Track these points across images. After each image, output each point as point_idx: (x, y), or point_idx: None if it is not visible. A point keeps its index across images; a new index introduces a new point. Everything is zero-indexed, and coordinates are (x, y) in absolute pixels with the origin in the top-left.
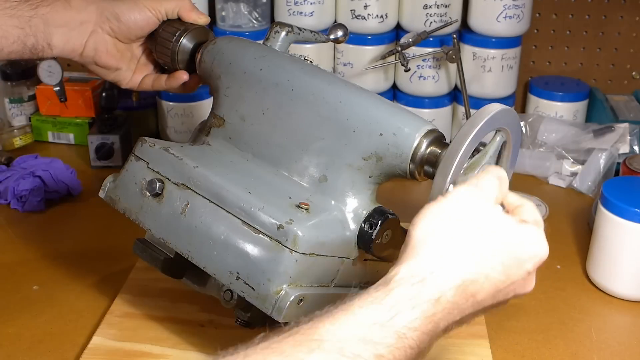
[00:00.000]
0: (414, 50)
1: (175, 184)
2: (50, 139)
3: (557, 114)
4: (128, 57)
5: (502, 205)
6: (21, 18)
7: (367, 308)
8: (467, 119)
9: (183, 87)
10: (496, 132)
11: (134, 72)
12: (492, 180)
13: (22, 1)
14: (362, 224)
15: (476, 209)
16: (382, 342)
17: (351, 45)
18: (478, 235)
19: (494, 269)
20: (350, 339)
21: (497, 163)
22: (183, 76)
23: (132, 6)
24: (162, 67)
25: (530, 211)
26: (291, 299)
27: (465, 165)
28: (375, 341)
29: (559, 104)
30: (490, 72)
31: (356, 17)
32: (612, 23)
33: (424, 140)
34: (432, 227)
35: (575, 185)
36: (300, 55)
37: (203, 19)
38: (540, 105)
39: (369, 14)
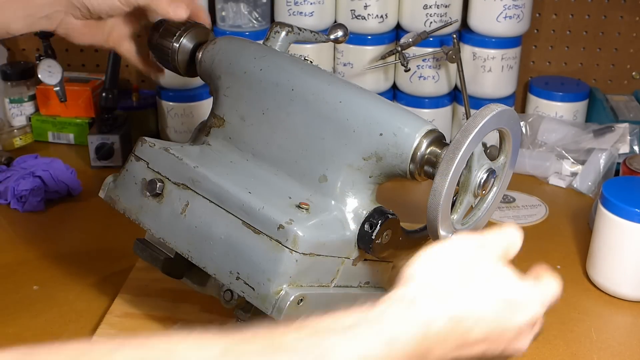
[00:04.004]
0: (414, 50)
1: (175, 184)
2: (50, 139)
3: (557, 114)
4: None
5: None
6: None
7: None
8: (467, 119)
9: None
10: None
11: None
12: (500, 236)
13: None
14: (362, 224)
15: (474, 256)
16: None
17: (351, 45)
18: (472, 279)
19: (485, 313)
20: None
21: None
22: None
23: None
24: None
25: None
26: (291, 299)
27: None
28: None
29: (559, 104)
30: (490, 72)
31: (356, 17)
32: (612, 23)
33: (424, 141)
34: (425, 267)
35: (575, 185)
36: (300, 55)
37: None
38: (540, 105)
39: (369, 14)
